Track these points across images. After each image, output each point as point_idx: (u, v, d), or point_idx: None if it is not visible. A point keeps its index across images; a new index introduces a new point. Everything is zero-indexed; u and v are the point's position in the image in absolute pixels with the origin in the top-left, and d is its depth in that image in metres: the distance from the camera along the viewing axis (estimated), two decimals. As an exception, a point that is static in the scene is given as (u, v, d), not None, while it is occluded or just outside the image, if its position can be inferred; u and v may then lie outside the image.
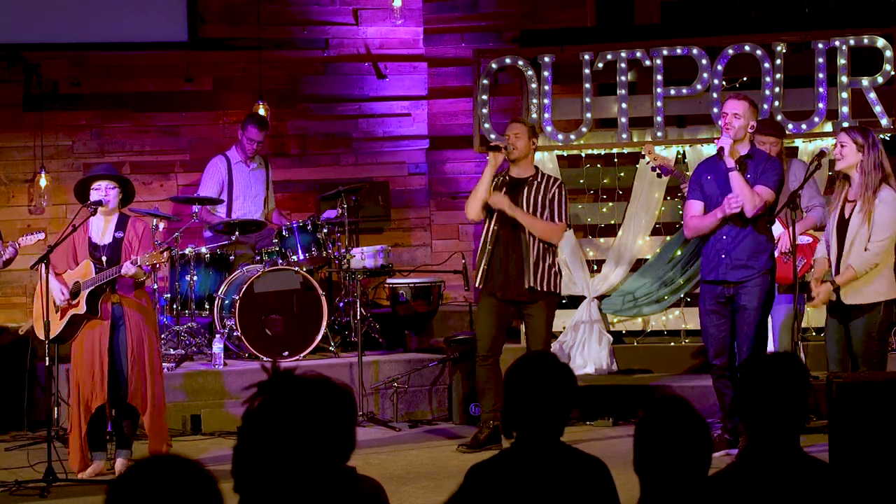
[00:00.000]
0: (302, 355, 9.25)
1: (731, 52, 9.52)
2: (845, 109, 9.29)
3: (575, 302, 9.76)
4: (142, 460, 2.61)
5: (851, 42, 9.35)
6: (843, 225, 7.28)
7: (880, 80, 9.30)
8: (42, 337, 7.43)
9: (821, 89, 9.36)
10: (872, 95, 9.27)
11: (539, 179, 8.13)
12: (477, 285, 8.16)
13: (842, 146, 7.27)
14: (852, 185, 7.28)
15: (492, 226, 8.08)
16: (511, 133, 8.11)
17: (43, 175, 10.59)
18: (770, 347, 8.28)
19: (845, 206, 7.29)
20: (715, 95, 9.44)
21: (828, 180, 9.27)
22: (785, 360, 3.69)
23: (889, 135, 9.33)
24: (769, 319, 8.22)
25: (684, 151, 9.68)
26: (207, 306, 9.57)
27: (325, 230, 9.55)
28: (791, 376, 3.62)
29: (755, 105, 7.64)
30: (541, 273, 7.99)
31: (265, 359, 9.07)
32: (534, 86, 9.77)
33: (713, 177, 7.55)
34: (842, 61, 9.31)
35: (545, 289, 8.01)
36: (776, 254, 8.04)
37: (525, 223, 7.99)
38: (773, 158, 7.66)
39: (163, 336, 9.19)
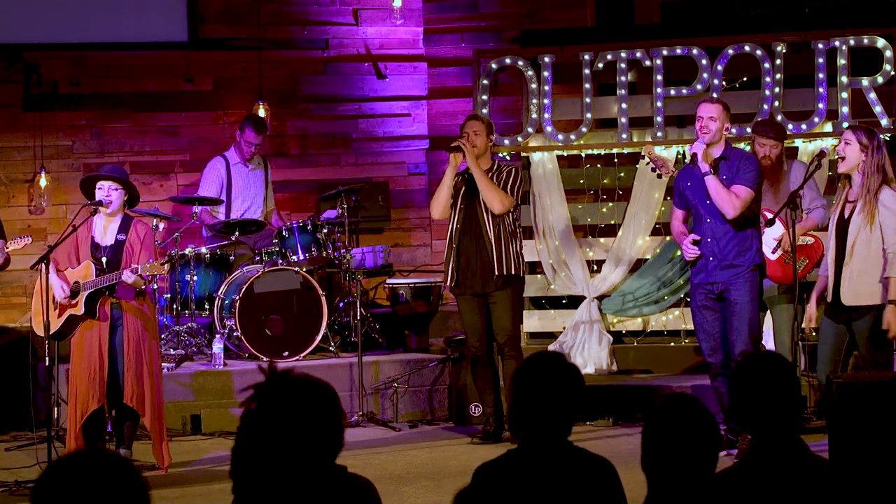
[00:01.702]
0: (302, 355, 9.25)
1: (731, 52, 9.52)
2: (845, 109, 9.29)
3: (575, 302, 9.76)
4: (66, 456, 2.60)
5: (851, 42, 9.34)
6: (842, 225, 7.27)
7: (880, 80, 9.29)
8: (40, 334, 7.45)
9: (821, 89, 9.36)
10: (872, 95, 9.26)
11: (494, 171, 8.26)
12: (448, 284, 8.26)
13: (846, 143, 7.26)
14: (853, 186, 7.28)
15: (455, 225, 8.23)
16: (470, 131, 8.22)
17: (43, 175, 10.59)
18: (770, 348, 8.28)
19: (845, 207, 7.29)
20: (715, 96, 9.44)
21: (828, 180, 9.27)
22: (769, 359, 3.70)
23: (889, 135, 9.32)
24: (768, 320, 8.24)
25: (684, 152, 9.66)
26: (207, 306, 9.57)
27: (325, 230, 9.55)
28: (778, 375, 3.62)
29: (727, 106, 7.68)
30: (506, 260, 8.12)
31: (265, 359, 9.07)
32: (534, 86, 9.77)
33: (690, 184, 7.60)
34: (842, 61, 9.30)
35: (510, 272, 8.13)
36: (778, 253, 8.04)
37: (482, 186, 8.08)
38: (748, 156, 7.70)
39: (163, 336, 9.19)
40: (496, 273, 8.10)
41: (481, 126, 8.27)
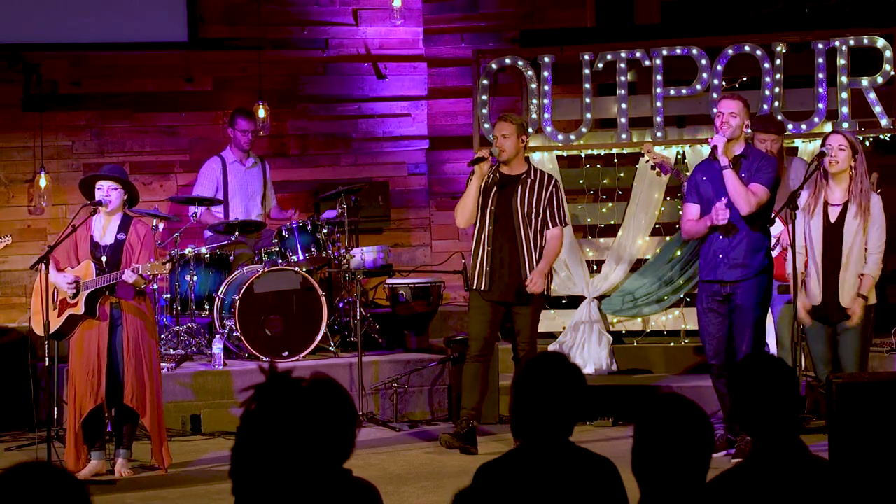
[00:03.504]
0: (302, 355, 9.25)
1: (731, 52, 9.51)
2: (845, 109, 9.28)
3: (575, 302, 9.76)
4: (9, 468, 2.60)
5: (851, 42, 9.34)
6: (831, 229, 7.28)
7: (880, 80, 9.29)
8: (40, 333, 7.45)
9: (821, 89, 9.36)
10: (872, 95, 9.26)
11: (532, 177, 8.02)
12: (474, 287, 8.02)
13: (840, 149, 7.27)
14: (834, 188, 7.30)
15: (486, 226, 7.98)
16: (499, 133, 7.97)
17: (43, 175, 10.58)
18: (771, 348, 8.28)
19: (828, 210, 7.30)
20: (715, 95, 9.43)
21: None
22: (767, 361, 3.70)
23: (889, 135, 9.33)
24: (769, 319, 8.24)
25: (684, 152, 9.67)
26: (207, 306, 9.57)
27: (325, 230, 9.55)
28: (776, 377, 3.61)
29: (748, 104, 7.65)
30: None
31: (265, 359, 9.07)
32: (534, 86, 9.77)
33: (708, 177, 7.55)
34: (842, 61, 9.30)
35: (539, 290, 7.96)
36: (778, 250, 8.05)
37: (546, 266, 7.92)
38: (768, 156, 7.65)
39: (162, 336, 9.19)
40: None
41: (511, 128, 7.95)
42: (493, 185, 7.99)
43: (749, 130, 7.76)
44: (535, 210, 7.95)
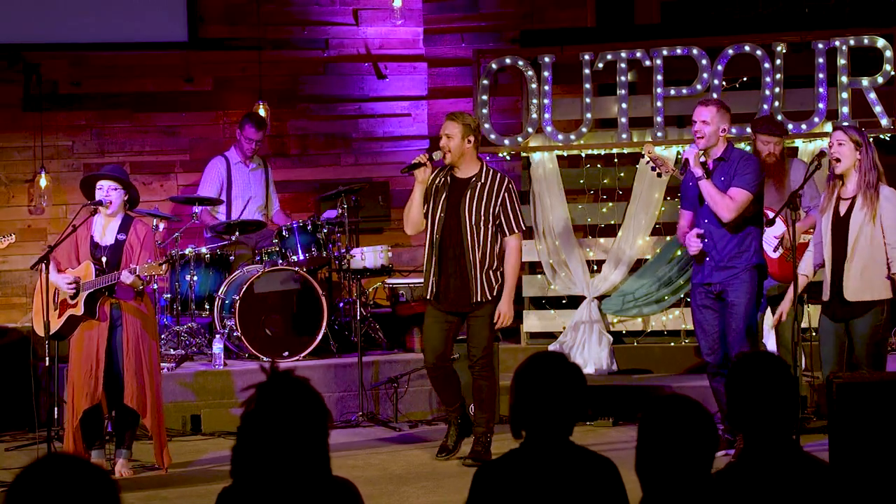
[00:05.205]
0: (302, 355, 9.25)
1: (731, 52, 9.52)
2: (845, 109, 9.29)
3: (575, 302, 9.77)
4: (38, 460, 2.60)
5: (851, 42, 9.34)
6: (839, 223, 7.26)
7: (880, 80, 9.29)
8: (41, 334, 7.45)
9: (821, 89, 9.36)
10: (872, 95, 9.27)
11: (483, 180, 7.57)
12: (427, 297, 7.70)
13: (839, 144, 7.25)
14: (846, 183, 7.27)
15: (435, 234, 7.60)
16: (443, 134, 7.57)
17: (43, 175, 10.59)
18: (771, 348, 8.28)
19: (839, 205, 7.28)
20: (715, 96, 9.43)
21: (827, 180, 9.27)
22: (764, 360, 3.69)
23: (889, 135, 9.33)
24: (768, 319, 8.24)
25: (684, 152, 9.67)
26: (207, 306, 9.58)
27: (325, 230, 9.55)
28: (773, 376, 3.61)
29: (725, 107, 7.54)
30: (489, 282, 7.55)
31: (265, 359, 9.07)
32: (534, 86, 9.77)
33: (693, 184, 7.57)
34: (842, 61, 9.30)
35: (491, 297, 7.58)
36: (780, 252, 8.04)
37: (511, 292, 7.59)
38: (748, 157, 7.59)
39: (163, 336, 9.20)
40: (474, 299, 7.53)
41: (456, 128, 7.53)
42: (444, 190, 7.60)
43: (733, 131, 7.73)
44: (484, 216, 7.53)
